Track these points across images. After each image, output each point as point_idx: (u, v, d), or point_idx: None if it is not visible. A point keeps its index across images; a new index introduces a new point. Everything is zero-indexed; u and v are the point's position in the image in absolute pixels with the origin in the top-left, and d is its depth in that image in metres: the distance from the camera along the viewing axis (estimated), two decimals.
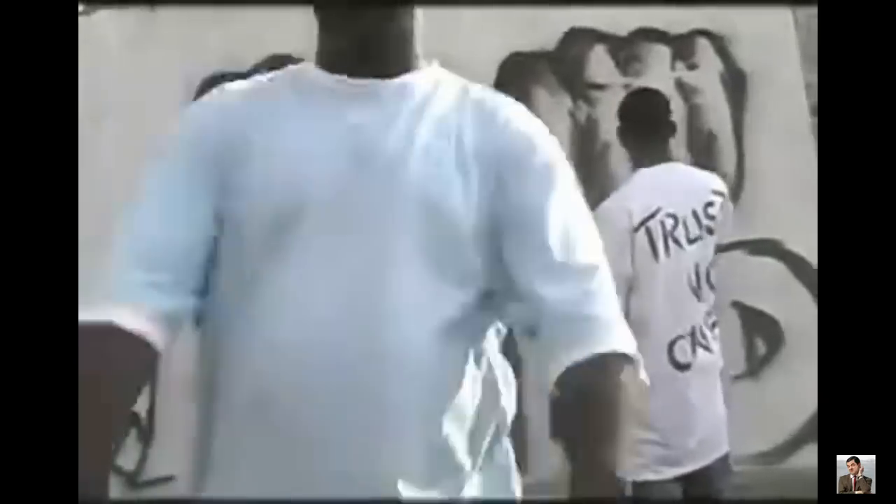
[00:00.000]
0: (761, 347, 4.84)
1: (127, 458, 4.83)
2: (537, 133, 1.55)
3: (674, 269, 3.32)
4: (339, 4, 1.49)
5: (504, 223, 1.48)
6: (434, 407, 1.48)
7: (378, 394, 1.44)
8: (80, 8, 4.85)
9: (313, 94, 1.54)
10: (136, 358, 1.43)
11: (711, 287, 3.41)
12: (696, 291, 3.36)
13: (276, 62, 5.03)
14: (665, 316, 3.31)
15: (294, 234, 1.46)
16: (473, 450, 1.53)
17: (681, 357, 3.30)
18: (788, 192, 4.64)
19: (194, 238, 1.50)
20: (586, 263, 1.50)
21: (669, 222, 3.33)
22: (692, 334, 3.33)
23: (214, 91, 1.62)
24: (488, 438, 1.56)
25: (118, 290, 1.46)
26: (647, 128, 3.51)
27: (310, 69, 1.60)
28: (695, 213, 3.38)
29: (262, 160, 1.48)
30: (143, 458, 4.85)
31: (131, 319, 1.42)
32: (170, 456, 4.83)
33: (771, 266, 4.80)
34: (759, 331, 4.84)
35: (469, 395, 1.52)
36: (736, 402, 4.48)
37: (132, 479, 4.83)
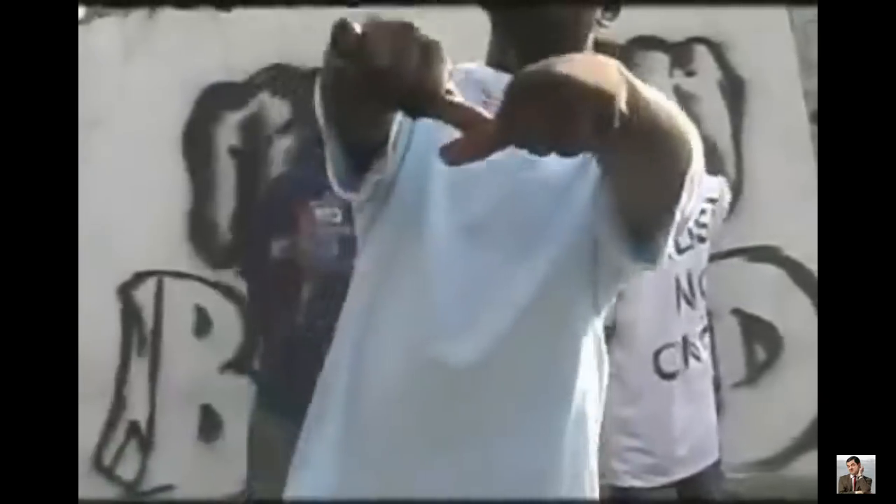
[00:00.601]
0: (761, 354, 4.84)
1: (126, 468, 4.83)
2: None
3: (662, 280, 3.31)
4: (515, 4, 1.49)
5: None
6: (551, 407, 1.51)
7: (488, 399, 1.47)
8: (80, 15, 4.86)
9: (480, 93, 1.49)
10: None
11: (703, 294, 3.41)
12: (689, 300, 3.36)
13: (275, 71, 5.06)
14: (651, 326, 3.30)
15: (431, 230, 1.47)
16: (585, 439, 1.59)
17: (667, 366, 3.30)
18: (787, 199, 4.64)
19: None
20: None
21: None
22: (683, 343, 3.32)
23: None
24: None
25: None
26: None
27: (480, 69, 1.59)
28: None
29: (421, 160, 1.48)
30: (142, 468, 4.84)
31: None
32: (169, 465, 4.83)
33: (770, 273, 4.80)
34: (759, 338, 4.83)
35: (581, 389, 1.55)
36: (735, 409, 4.48)
37: (132, 489, 4.82)
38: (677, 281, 3.33)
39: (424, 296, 1.47)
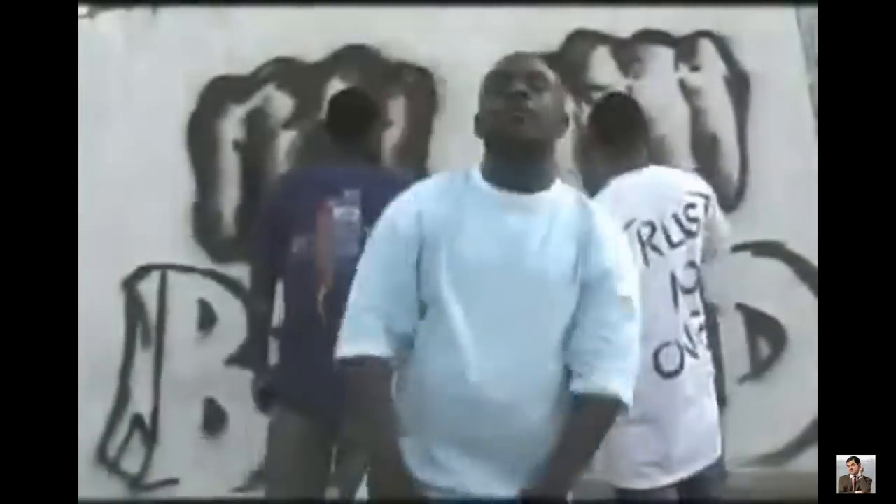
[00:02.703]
0: (765, 349, 4.83)
1: (131, 461, 4.83)
2: (624, 259, 2.40)
3: (656, 278, 3.26)
4: (511, 149, 2.26)
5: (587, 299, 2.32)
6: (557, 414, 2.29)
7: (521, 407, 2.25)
8: (84, 10, 4.86)
9: (484, 201, 2.31)
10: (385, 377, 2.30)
11: (699, 289, 3.37)
12: (685, 296, 3.32)
13: (280, 65, 5.07)
14: (649, 325, 3.26)
15: (471, 299, 2.23)
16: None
17: (667, 365, 3.25)
18: (792, 194, 4.63)
19: (406, 298, 2.30)
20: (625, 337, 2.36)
21: (646, 231, 3.27)
22: (679, 341, 3.28)
23: (410, 194, 2.40)
24: None
25: (363, 329, 2.30)
26: (623, 133, 3.45)
27: (478, 179, 2.34)
28: (675, 217, 3.32)
29: (450, 251, 2.25)
30: (147, 461, 4.85)
31: (376, 348, 2.28)
32: (173, 459, 4.83)
33: (774, 268, 4.79)
34: (763, 333, 4.82)
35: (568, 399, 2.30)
36: (740, 404, 4.48)
37: (136, 482, 4.83)
38: (673, 276, 3.30)
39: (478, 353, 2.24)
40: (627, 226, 3.22)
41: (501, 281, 2.24)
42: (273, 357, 3.69)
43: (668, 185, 3.40)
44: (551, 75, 2.34)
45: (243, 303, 4.78)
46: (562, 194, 2.37)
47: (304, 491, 3.43)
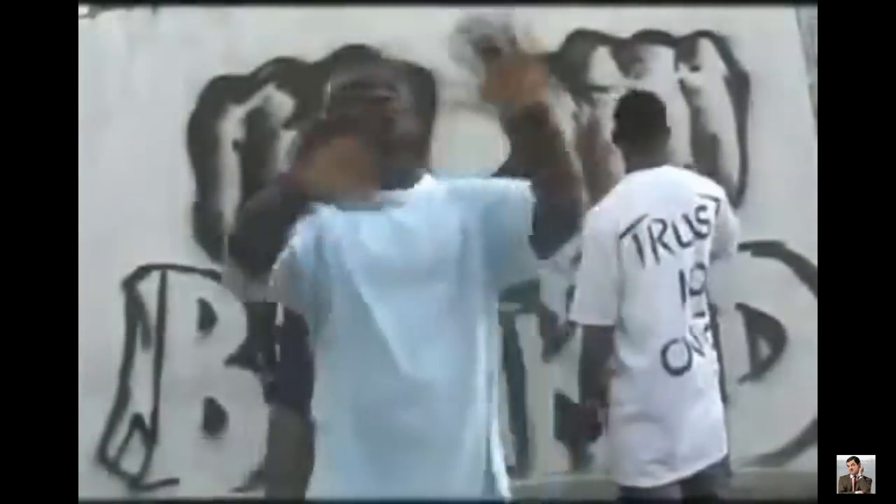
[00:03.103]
0: (765, 349, 4.84)
1: (131, 461, 4.84)
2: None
3: (665, 275, 3.29)
4: (384, 150, 2.19)
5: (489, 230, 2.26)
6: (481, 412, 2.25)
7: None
8: (84, 10, 4.86)
9: None
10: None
11: (704, 291, 3.40)
12: (692, 295, 3.34)
13: (280, 65, 5.07)
14: (658, 321, 3.28)
15: (383, 293, 2.21)
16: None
17: (675, 361, 3.27)
18: (792, 194, 4.63)
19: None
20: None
21: (657, 228, 3.30)
22: (685, 338, 3.30)
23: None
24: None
25: None
26: (640, 131, 3.48)
27: None
28: (686, 218, 3.35)
29: (351, 250, 2.25)
30: (146, 461, 4.86)
31: None
32: (173, 459, 4.84)
33: (774, 268, 4.80)
34: (763, 333, 4.83)
35: (493, 391, 2.29)
36: (740, 404, 4.48)
37: (136, 482, 4.84)
38: (682, 275, 3.32)
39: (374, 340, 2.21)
40: (638, 221, 3.26)
41: (404, 275, 2.23)
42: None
43: (680, 186, 3.44)
44: (402, 77, 2.37)
45: (243, 303, 4.79)
46: (433, 185, 2.37)
47: (304, 491, 3.43)
